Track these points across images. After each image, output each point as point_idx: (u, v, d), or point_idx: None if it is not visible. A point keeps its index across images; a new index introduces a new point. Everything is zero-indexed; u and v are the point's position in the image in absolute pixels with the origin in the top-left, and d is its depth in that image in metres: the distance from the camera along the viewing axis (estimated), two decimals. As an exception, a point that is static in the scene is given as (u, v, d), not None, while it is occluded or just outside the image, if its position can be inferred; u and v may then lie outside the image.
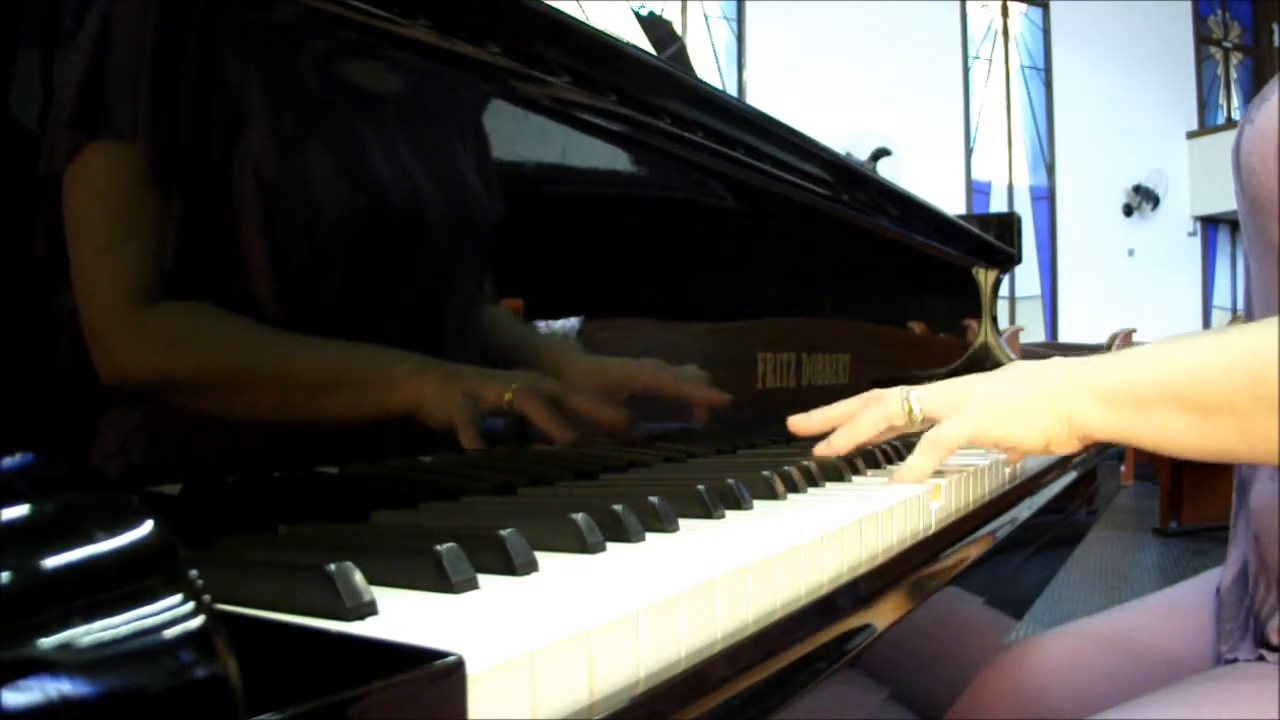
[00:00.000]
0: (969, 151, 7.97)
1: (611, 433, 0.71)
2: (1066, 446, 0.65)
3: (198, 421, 0.44)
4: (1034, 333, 7.38)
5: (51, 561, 0.19)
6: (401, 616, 0.31)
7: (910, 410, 0.69)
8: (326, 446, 0.50)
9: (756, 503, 0.57)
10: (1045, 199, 8.30)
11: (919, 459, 0.67)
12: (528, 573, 0.38)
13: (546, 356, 0.66)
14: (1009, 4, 8.25)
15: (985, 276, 1.61)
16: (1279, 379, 0.56)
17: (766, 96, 6.06)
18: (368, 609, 0.30)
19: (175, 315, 0.43)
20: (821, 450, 0.71)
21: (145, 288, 0.42)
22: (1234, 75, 9.16)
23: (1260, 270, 0.74)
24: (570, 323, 0.68)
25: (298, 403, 0.49)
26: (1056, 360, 0.67)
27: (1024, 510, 0.78)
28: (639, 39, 1.04)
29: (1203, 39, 8.99)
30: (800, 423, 0.73)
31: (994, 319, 1.63)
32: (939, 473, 0.68)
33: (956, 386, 0.69)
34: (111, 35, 0.40)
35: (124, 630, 0.19)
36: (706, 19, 6.88)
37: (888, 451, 0.80)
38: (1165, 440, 0.62)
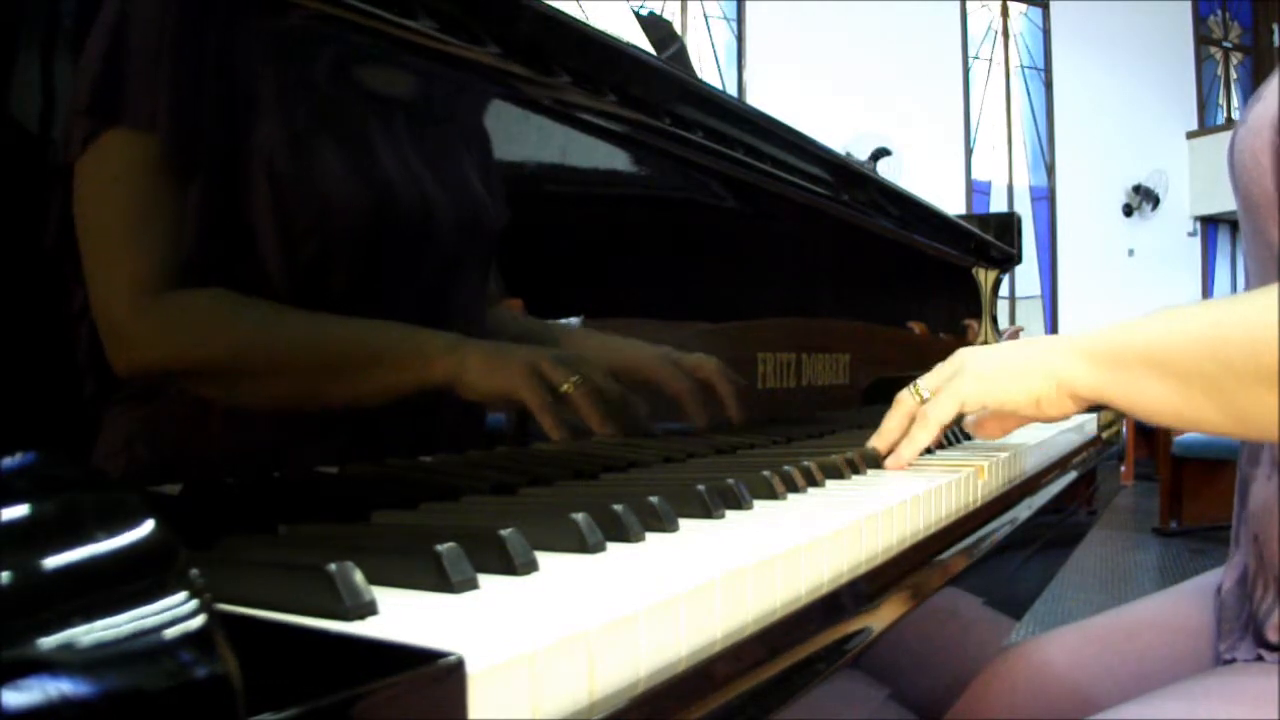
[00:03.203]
0: (969, 151, 7.96)
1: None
2: (1058, 405, 0.69)
3: (200, 420, 0.44)
4: (1034, 333, 7.36)
5: (51, 561, 0.19)
6: (402, 616, 0.31)
7: (920, 396, 0.75)
8: (327, 446, 0.50)
9: (756, 503, 0.57)
10: (1045, 199, 8.30)
11: (917, 434, 0.74)
12: (528, 573, 0.38)
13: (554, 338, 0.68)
14: (1009, 4, 8.24)
15: (985, 276, 1.61)
16: (1246, 351, 0.58)
17: (766, 96, 6.06)
18: (368, 609, 0.30)
19: (194, 303, 0.43)
20: (892, 465, 0.77)
21: (164, 276, 0.42)
22: (1234, 75, 9.15)
23: (1258, 269, 0.74)
24: (570, 323, 0.68)
25: (318, 391, 0.49)
26: (1047, 336, 0.73)
27: (1024, 510, 0.78)
28: (639, 39, 1.04)
29: (1203, 39, 8.98)
30: (894, 462, 0.77)
31: (994, 319, 1.63)
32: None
33: (950, 363, 0.75)
34: (129, 22, 0.40)
35: (124, 630, 0.19)
36: (706, 19, 6.88)
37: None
38: (1145, 404, 0.65)
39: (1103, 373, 0.66)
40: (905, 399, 0.76)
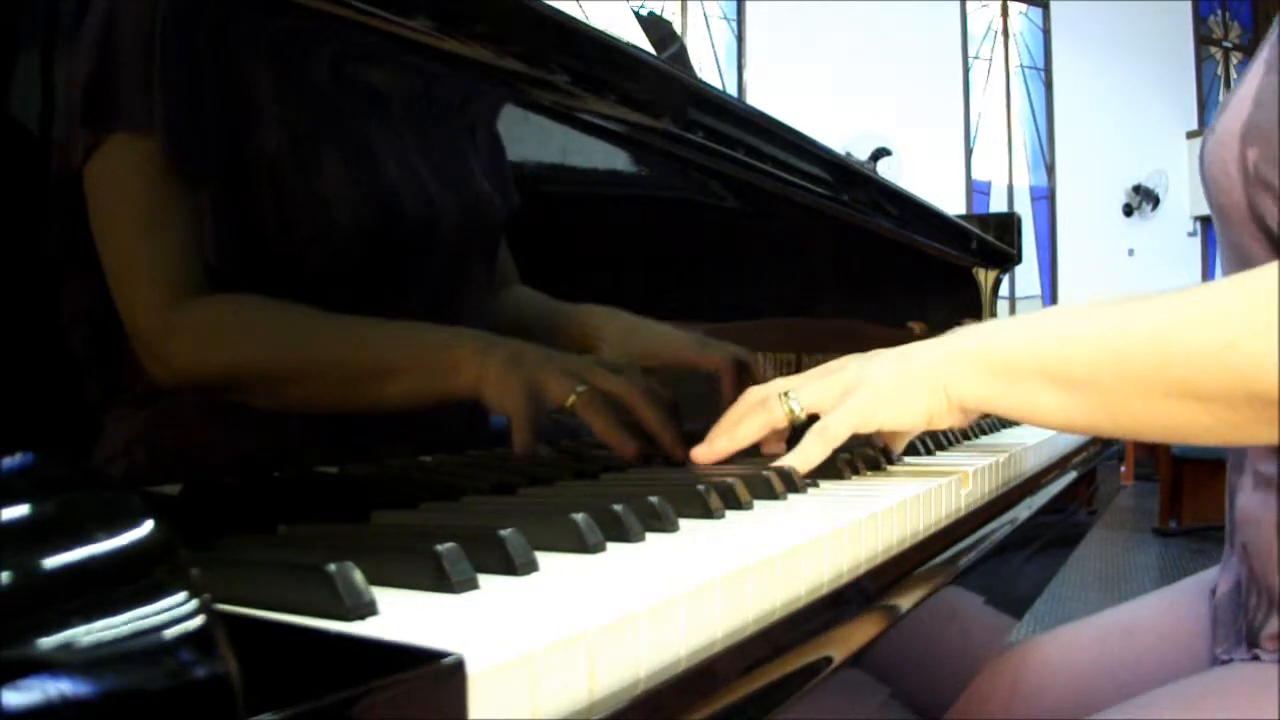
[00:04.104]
0: (969, 151, 7.96)
1: (670, 453, 0.71)
2: (949, 419, 0.66)
3: (201, 421, 0.44)
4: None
5: (51, 561, 0.19)
6: (401, 616, 0.31)
7: (791, 412, 0.69)
8: (327, 446, 0.50)
9: (756, 503, 0.57)
10: (1045, 199, 8.30)
11: (810, 448, 0.66)
12: (528, 572, 0.38)
13: (584, 326, 0.68)
14: (1009, 4, 8.24)
15: (985, 276, 1.61)
16: (1150, 364, 0.56)
17: (766, 96, 6.06)
18: (368, 609, 0.30)
19: (200, 308, 0.43)
20: (701, 454, 0.69)
21: (175, 285, 0.42)
22: (1234, 75, 9.14)
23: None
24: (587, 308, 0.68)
25: (320, 393, 0.49)
26: (931, 340, 0.68)
27: (1024, 510, 0.78)
28: (639, 39, 1.04)
29: (1203, 39, 8.98)
30: (706, 453, 0.70)
31: (994, 319, 1.63)
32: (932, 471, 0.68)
33: (836, 379, 0.69)
34: (132, 27, 0.40)
35: (124, 630, 0.19)
36: (706, 19, 6.87)
37: (888, 453, 0.80)
38: (1034, 412, 0.62)
39: (994, 384, 0.63)
40: (773, 407, 0.69)
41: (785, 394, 0.69)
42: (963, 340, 0.65)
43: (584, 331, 0.68)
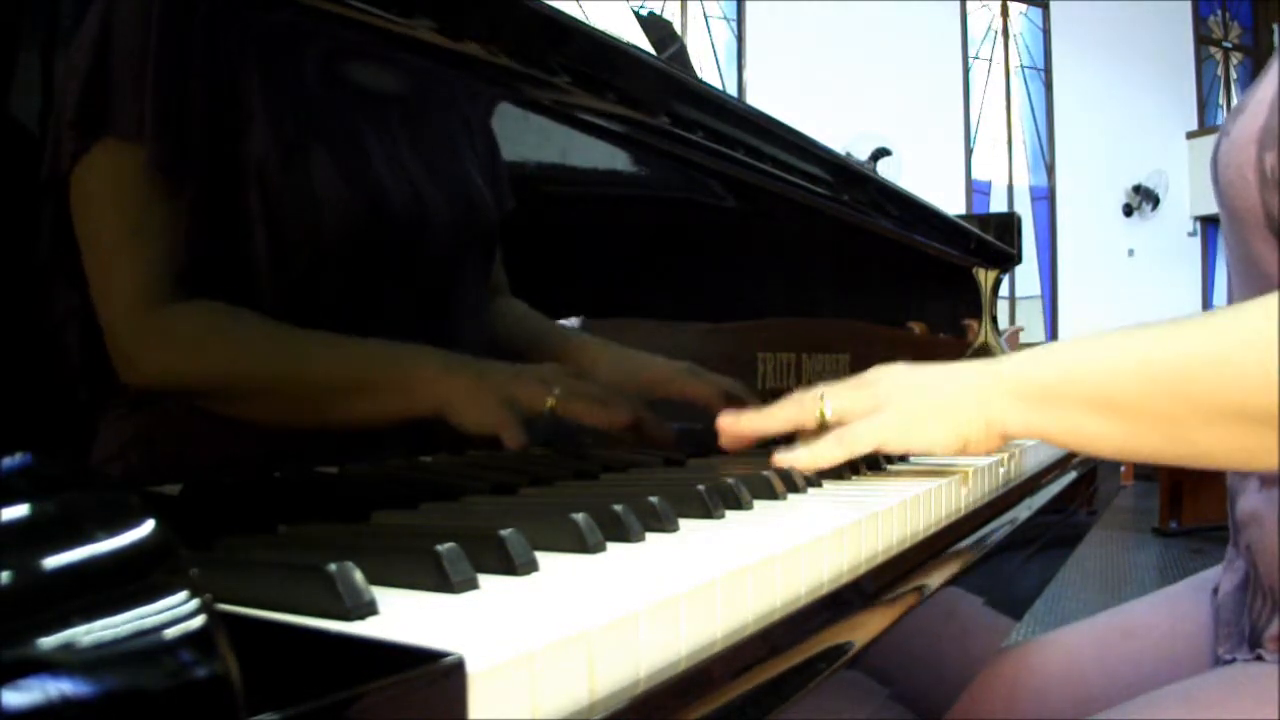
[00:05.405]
0: (969, 151, 7.96)
1: (651, 442, 0.71)
2: (985, 445, 0.65)
3: (201, 422, 0.44)
4: (1034, 333, 7.37)
5: (51, 561, 0.19)
6: (402, 616, 0.31)
7: (822, 414, 0.68)
8: (327, 446, 0.50)
9: (756, 503, 0.57)
10: (1045, 199, 8.30)
11: (825, 449, 0.66)
12: (528, 572, 0.38)
13: (570, 352, 0.67)
14: (1009, 4, 8.25)
15: (985, 276, 1.61)
16: (1217, 389, 0.55)
17: (766, 96, 6.06)
18: (368, 609, 0.30)
19: (196, 316, 0.43)
20: (727, 422, 0.70)
21: (164, 288, 0.42)
22: (1234, 75, 9.15)
23: (1240, 280, 0.74)
24: (570, 323, 0.68)
25: (315, 405, 0.49)
26: (974, 362, 0.67)
27: (1024, 510, 0.78)
28: (639, 39, 1.04)
29: (1203, 39, 8.99)
30: (731, 423, 0.70)
31: (994, 319, 1.63)
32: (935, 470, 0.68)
33: (870, 393, 0.68)
34: (123, 29, 0.40)
35: (124, 630, 0.19)
36: (706, 19, 6.88)
37: (889, 454, 0.80)
38: (1086, 441, 0.61)
39: (1041, 414, 0.61)
40: (806, 405, 0.68)
41: (821, 395, 0.68)
42: (1003, 368, 0.64)
43: (575, 359, 0.67)
